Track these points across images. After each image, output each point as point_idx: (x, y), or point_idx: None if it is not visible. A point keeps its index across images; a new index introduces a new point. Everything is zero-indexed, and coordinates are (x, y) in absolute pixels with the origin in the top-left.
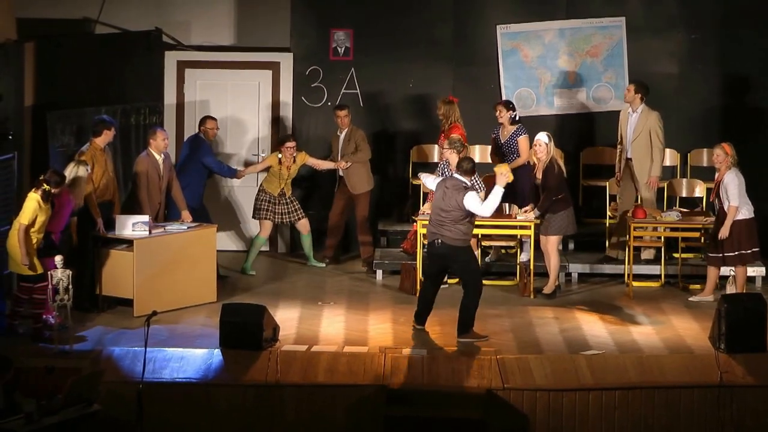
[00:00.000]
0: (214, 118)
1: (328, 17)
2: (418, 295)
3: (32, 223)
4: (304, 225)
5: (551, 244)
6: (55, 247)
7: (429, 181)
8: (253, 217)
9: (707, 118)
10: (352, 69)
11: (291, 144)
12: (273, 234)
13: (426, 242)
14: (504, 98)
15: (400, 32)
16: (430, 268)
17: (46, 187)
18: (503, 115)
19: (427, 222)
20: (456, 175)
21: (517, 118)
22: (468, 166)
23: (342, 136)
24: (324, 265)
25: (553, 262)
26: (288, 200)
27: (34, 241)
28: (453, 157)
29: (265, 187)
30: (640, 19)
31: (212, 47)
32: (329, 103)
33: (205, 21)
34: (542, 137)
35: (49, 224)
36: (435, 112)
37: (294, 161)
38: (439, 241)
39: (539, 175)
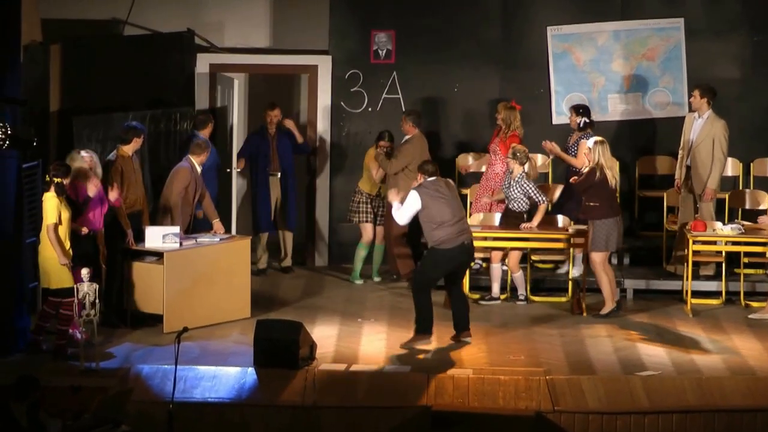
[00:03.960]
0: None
1: (368, 18)
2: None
3: (59, 221)
4: (380, 233)
5: (594, 261)
6: (88, 256)
7: None
8: (348, 221)
9: None
10: (394, 72)
11: (383, 143)
12: (349, 239)
13: (450, 246)
14: (554, 103)
15: (444, 33)
16: (450, 269)
17: (55, 179)
18: (572, 120)
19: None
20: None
21: (582, 124)
22: (430, 169)
23: (402, 141)
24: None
25: (601, 281)
26: (382, 202)
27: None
28: (517, 168)
29: (360, 188)
30: (700, 21)
31: (247, 49)
32: (369, 109)
33: (239, 22)
34: (588, 142)
35: (84, 222)
36: (480, 118)
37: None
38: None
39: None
